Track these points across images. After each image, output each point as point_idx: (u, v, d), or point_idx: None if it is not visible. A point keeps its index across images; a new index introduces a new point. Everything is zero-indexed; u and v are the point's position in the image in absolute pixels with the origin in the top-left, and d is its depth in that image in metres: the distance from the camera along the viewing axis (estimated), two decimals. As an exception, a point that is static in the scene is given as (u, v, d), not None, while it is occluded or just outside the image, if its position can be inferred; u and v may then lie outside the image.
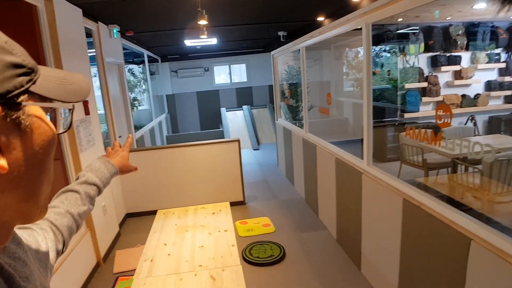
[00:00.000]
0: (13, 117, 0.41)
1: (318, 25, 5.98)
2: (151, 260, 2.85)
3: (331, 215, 3.92)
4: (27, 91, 0.43)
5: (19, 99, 0.41)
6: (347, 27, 3.34)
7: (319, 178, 4.28)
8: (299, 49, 4.91)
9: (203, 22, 4.47)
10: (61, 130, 0.54)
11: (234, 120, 10.48)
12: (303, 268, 3.39)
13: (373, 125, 3.06)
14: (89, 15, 4.19)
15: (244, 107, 10.74)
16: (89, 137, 3.66)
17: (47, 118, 0.47)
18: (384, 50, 8.38)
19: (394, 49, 7.90)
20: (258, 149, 8.88)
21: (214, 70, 11.21)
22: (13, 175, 0.42)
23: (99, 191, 1.03)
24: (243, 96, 11.24)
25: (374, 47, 8.00)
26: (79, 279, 3.24)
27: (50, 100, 0.47)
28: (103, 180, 1.04)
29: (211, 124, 11.15)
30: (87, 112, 3.62)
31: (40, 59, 3.08)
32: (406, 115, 5.96)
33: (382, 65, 8.36)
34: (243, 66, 11.32)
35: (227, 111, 10.79)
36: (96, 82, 4.72)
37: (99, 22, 4.55)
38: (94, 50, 4.49)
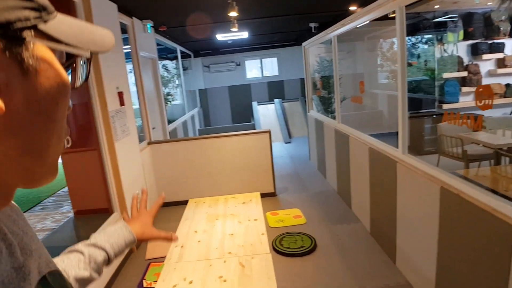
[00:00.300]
0: (15, 52, 0.36)
1: (350, 15, 5.85)
2: (182, 246, 2.86)
3: (365, 207, 3.82)
4: (35, 29, 0.38)
5: (23, 34, 0.37)
6: (380, 12, 3.23)
7: (352, 169, 4.18)
8: (331, 40, 4.81)
9: (233, 14, 4.46)
10: (78, 83, 0.49)
11: (266, 113, 10.44)
12: (335, 260, 3.31)
13: (409, 116, 2.95)
14: (124, 10, 4.25)
15: (276, 100, 10.68)
16: (124, 127, 3.72)
17: (58, 64, 0.41)
18: (421, 41, 8.12)
19: (431, 39, 7.64)
20: (289, 143, 8.81)
21: (246, 64, 11.20)
22: (12, 120, 0.38)
23: (108, 260, 0.89)
24: (275, 90, 11.18)
25: (410, 37, 7.76)
26: (114, 264, 3.31)
27: (64, 44, 0.41)
28: (114, 247, 0.91)
29: (242, 118, 11.16)
30: (122, 103, 3.68)
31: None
32: (445, 106, 5.73)
33: (418, 56, 8.09)
34: (275, 59, 11.25)
35: (258, 104, 10.77)
36: (131, 78, 4.79)
37: (133, 18, 4.62)
38: (129, 46, 4.57)
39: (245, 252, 2.69)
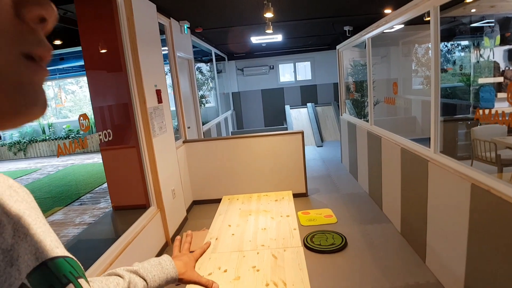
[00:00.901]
0: None
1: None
2: (216, 239, 2.98)
3: (396, 207, 3.84)
4: None
5: None
6: (414, 13, 3.26)
7: (384, 170, 4.20)
8: (365, 43, 4.84)
9: (269, 15, 4.57)
10: None
11: (298, 117, 10.51)
12: (365, 258, 3.35)
13: (443, 120, 2.96)
14: (162, 10, 4.46)
15: (308, 104, 10.73)
16: (161, 124, 3.90)
17: None
18: (457, 47, 7.97)
19: (467, 46, 7.50)
20: (321, 146, 8.84)
21: (279, 68, 11.32)
22: None
23: None
24: (308, 94, 11.24)
25: (445, 42, 7.65)
26: (149, 255, 3.48)
27: None
28: (156, 279, 0.86)
29: (275, 121, 11.27)
30: (160, 101, 3.87)
31: (119, 50, 3.36)
32: (480, 112, 5.63)
33: (454, 62, 7.96)
34: (308, 63, 11.31)
35: (291, 108, 10.85)
36: (168, 80, 4.99)
37: (171, 18, 4.82)
38: (165, 48, 4.76)
39: (277, 245, 2.78)
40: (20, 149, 11.70)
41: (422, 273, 3.01)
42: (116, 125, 3.63)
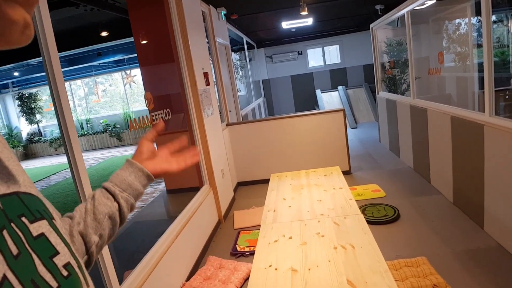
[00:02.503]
0: None
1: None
2: (274, 211, 3.06)
3: (447, 178, 3.82)
4: None
5: None
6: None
7: (431, 142, 4.18)
8: (397, 20, 4.80)
9: (306, -6, 4.59)
10: None
11: (330, 101, 10.48)
12: (420, 227, 3.37)
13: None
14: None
15: (339, 87, 10.68)
16: (209, 106, 4.00)
17: None
18: (495, 22, 7.74)
19: (501, 18, 7.28)
20: (356, 128, 8.80)
21: (308, 53, 11.28)
22: None
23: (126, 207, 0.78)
24: (337, 77, 11.17)
25: (479, 17, 7.46)
26: (207, 231, 3.60)
27: None
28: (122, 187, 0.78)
29: (305, 106, 11.27)
30: (207, 83, 3.96)
31: (170, 35, 3.46)
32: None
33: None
34: (336, 47, 11.23)
35: (322, 92, 10.82)
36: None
37: (210, 5, 4.90)
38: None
39: (336, 213, 2.83)
40: (61, 144, 12.12)
41: (481, 239, 3.01)
42: (170, 106, 3.75)
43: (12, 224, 0.40)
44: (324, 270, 2.09)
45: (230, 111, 5.42)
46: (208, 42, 4.88)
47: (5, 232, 0.38)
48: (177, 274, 2.83)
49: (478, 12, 7.14)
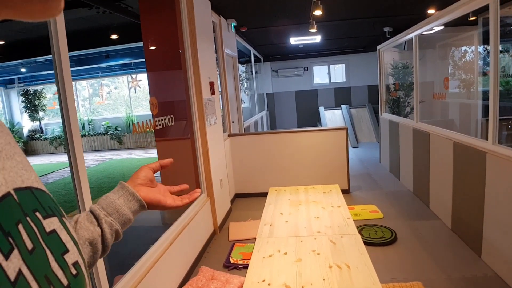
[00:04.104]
0: None
1: (427, 18, 5.80)
2: (271, 225, 3.03)
3: (446, 203, 3.80)
4: None
5: None
6: (471, 6, 3.25)
7: (432, 166, 4.17)
8: (405, 44, 4.83)
9: (318, 12, 4.62)
10: None
11: (333, 119, 10.49)
12: (417, 251, 3.34)
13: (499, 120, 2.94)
14: (214, 8, 4.57)
15: (343, 106, 10.70)
16: (213, 116, 4.00)
17: None
18: (501, 52, 7.78)
19: (508, 48, 7.32)
20: (357, 147, 8.80)
21: (314, 70, 11.34)
22: None
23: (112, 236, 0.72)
24: (342, 96, 11.21)
25: (486, 46, 7.52)
26: (201, 241, 3.57)
27: None
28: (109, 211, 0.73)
29: (308, 122, 11.29)
30: (212, 92, 3.97)
31: (179, 42, 3.48)
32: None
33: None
34: (342, 66, 11.29)
35: (325, 110, 10.85)
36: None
37: (221, 16, 4.94)
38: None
39: (333, 232, 2.81)
40: (61, 143, 12.12)
41: (478, 267, 2.98)
42: (174, 112, 3.76)
43: (27, 218, 0.39)
44: (318, 289, 2.06)
45: (233, 122, 5.42)
46: (216, 52, 4.91)
47: (20, 226, 0.38)
48: (168, 283, 2.80)
49: (485, 41, 7.21)
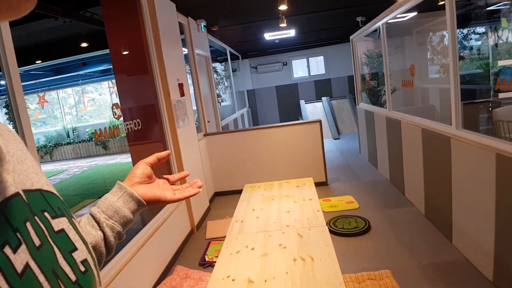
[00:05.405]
0: None
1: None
2: (241, 221, 3.04)
3: (419, 190, 3.84)
4: None
5: None
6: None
7: (405, 154, 4.21)
8: (378, 31, 4.86)
9: (283, 7, 4.62)
10: None
11: (314, 111, 10.53)
12: (390, 240, 3.37)
13: (464, 103, 2.98)
14: (181, 10, 4.55)
15: (323, 98, 10.74)
16: (184, 117, 3.99)
17: None
18: (473, 32, 7.88)
19: (483, 31, 7.40)
20: (338, 139, 8.84)
21: (292, 64, 11.35)
22: None
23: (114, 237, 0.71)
24: (322, 88, 11.24)
25: (461, 29, 7.58)
26: (177, 240, 3.57)
27: None
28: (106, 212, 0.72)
29: (290, 117, 11.31)
30: (182, 94, 3.96)
31: (144, 46, 3.46)
32: (501, 95, 5.57)
33: (471, 48, 7.86)
34: (321, 58, 11.32)
35: (306, 103, 10.88)
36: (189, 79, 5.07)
37: (189, 17, 4.92)
38: (185, 49, 4.85)
39: (302, 225, 2.83)
40: (47, 152, 12.06)
41: (449, 252, 3.02)
42: (143, 116, 3.74)
43: (35, 217, 0.42)
44: (279, 282, 2.07)
45: (208, 121, 5.41)
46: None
47: (28, 224, 0.40)
48: (141, 284, 2.79)
49: (459, 25, 7.26)
